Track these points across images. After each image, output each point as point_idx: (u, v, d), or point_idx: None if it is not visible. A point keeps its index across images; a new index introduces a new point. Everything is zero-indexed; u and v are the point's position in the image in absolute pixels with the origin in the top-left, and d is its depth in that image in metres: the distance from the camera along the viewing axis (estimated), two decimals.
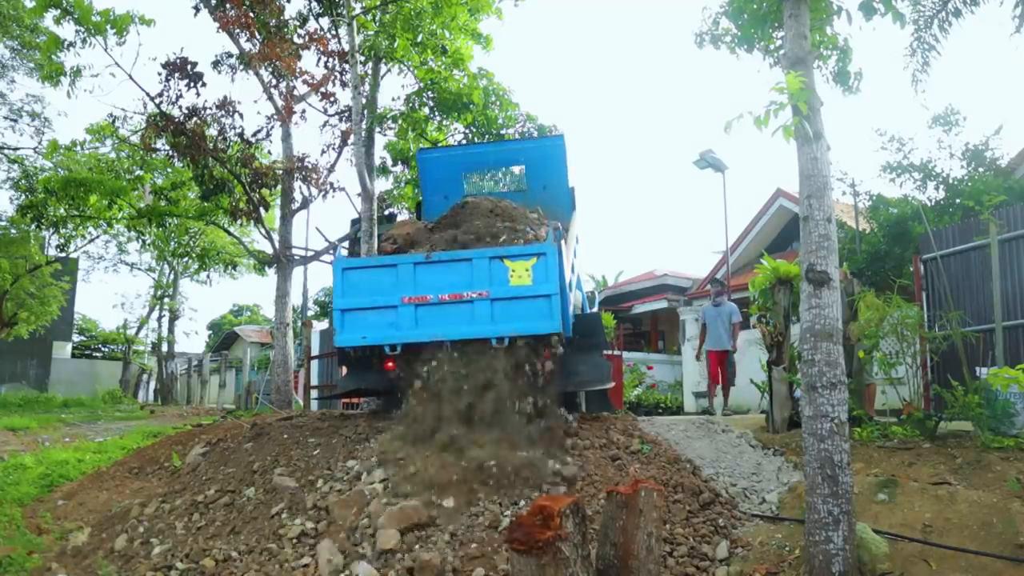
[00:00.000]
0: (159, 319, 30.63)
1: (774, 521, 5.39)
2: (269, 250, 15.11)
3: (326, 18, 14.18)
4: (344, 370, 8.60)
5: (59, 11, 12.85)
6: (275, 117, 15.02)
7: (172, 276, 28.95)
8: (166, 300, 29.44)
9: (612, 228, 69.24)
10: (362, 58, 12.31)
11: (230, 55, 14.68)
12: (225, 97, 14.44)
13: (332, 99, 14.99)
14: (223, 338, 37.62)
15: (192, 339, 45.25)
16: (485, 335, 6.42)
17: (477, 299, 6.49)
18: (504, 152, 9.47)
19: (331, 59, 14.36)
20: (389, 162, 14.16)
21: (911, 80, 7.31)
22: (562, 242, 6.82)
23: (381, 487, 5.89)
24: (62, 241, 18.16)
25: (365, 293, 6.76)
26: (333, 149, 15.27)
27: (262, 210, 15.02)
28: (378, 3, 12.58)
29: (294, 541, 5.44)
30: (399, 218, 14.45)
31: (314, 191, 15.36)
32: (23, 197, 18.01)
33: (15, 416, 14.31)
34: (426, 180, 9.34)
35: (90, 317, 36.34)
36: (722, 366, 10.06)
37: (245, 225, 17.62)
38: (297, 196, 15.45)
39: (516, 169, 9.28)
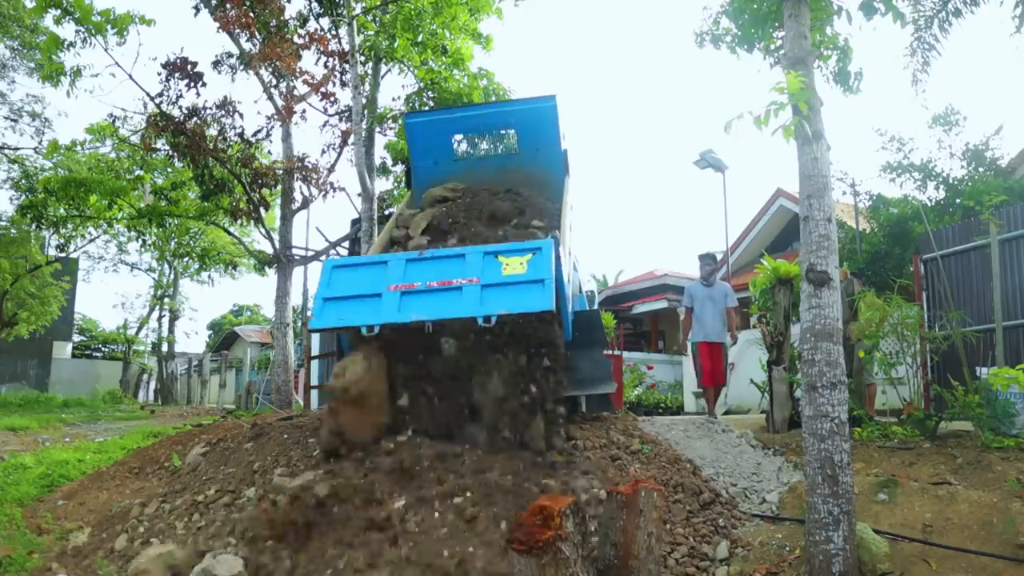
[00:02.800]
0: (159, 319, 30.74)
1: (774, 521, 5.39)
2: (269, 250, 15.10)
3: (326, 18, 14.18)
4: None
5: (59, 11, 12.82)
6: (275, 117, 15.01)
7: (172, 276, 28.99)
8: (166, 300, 29.49)
9: (612, 228, 69.32)
10: (362, 58, 12.31)
11: (230, 55, 14.69)
12: (225, 97, 14.44)
13: (332, 99, 14.98)
14: (223, 338, 37.58)
15: (192, 339, 45.35)
16: (471, 314, 5.88)
17: (467, 284, 6.09)
18: (494, 114, 8.98)
19: (331, 59, 14.35)
20: (389, 162, 14.17)
21: (911, 80, 7.32)
22: (560, 247, 6.68)
23: None
24: (62, 241, 18.16)
25: (351, 285, 6.38)
26: (333, 149, 15.28)
27: (262, 210, 15.00)
28: (378, 3, 12.58)
29: None
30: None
31: (314, 191, 15.35)
32: (23, 197, 18.04)
33: (15, 416, 14.30)
34: (414, 146, 8.96)
35: (90, 317, 36.48)
36: (716, 361, 8.54)
37: (245, 225, 17.63)
38: (297, 196, 15.44)
39: (507, 132, 8.82)
